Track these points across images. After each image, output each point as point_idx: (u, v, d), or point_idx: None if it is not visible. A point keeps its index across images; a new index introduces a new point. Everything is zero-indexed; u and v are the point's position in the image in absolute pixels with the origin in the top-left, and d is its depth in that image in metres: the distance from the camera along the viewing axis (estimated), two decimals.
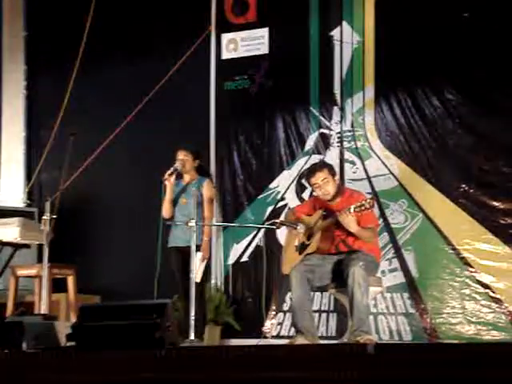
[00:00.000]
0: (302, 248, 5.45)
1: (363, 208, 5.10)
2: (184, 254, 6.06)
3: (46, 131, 7.99)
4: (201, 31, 7.40)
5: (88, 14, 7.64)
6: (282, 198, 7.10)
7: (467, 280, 6.32)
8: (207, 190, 6.18)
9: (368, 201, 5.13)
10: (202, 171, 6.36)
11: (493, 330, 6.18)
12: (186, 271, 5.99)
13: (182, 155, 6.21)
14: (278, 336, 6.81)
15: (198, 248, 5.89)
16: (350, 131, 6.92)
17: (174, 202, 6.21)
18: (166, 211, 6.18)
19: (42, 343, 4.25)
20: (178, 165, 6.15)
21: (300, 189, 7.02)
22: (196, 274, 5.68)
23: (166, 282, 6.03)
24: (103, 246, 7.70)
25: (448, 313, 6.32)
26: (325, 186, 5.37)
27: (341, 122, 6.95)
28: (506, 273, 6.21)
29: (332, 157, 6.88)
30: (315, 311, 6.50)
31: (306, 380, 3.44)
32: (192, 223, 5.50)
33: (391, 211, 6.62)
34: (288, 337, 6.49)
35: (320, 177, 5.37)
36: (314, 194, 5.63)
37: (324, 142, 7.01)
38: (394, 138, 6.73)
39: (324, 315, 6.73)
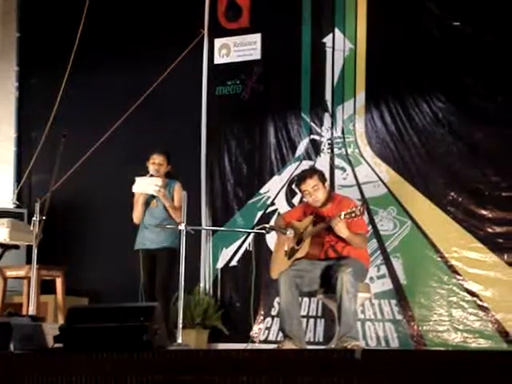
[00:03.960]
0: (291, 253, 5.46)
1: (354, 215, 5.11)
2: (153, 256, 6.07)
3: (36, 132, 7.99)
4: (194, 36, 7.41)
5: (81, 16, 7.64)
6: (272, 203, 7.12)
7: (455, 288, 6.35)
8: (178, 192, 6.17)
9: (359, 207, 5.14)
10: (171, 175, 6.34)
11: (479, 337, 6.20)
12: (154, 275, 6.02)
13: (158, 160, 6.19)
14: (265, 341, 6.82)
15: (169, 250, 5.96)
16: (340, 138, 6.94)
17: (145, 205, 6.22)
18: (137, 217, 6.18)
19: (30, 344, 4.24)
20: (153, 171, 6.14)
21: (290, 194, 7.03)
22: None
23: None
24: (92, 248, 7.69)
25: (435, 320, 6.35)
26: (315, 192, 5.39)
27: (331, 128, 6.98)
28: (493, 281, 6.24)
29: (322, 163, 6.90)
30: (303, 316, 6.51)
31: None
32: (182, 226, 5.50)
33: (380, 218, 6.65)
34: (276, 342, 6.50)
35: (310, 184, 5.39)
36: (305, 200, 5.65)
37: (315, 148, 7.04)
38: (384, 145, 6.76)
39: (312, 321, 6.75)
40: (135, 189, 6.10)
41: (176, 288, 5.63)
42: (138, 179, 6.09)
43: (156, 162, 6.16)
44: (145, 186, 6.07)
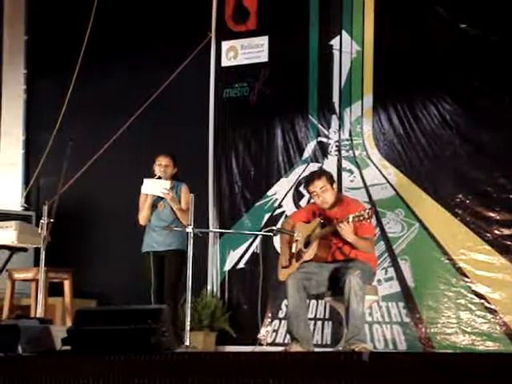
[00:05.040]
0: (298, 256, 5.46)
1: (362, 218, 5.10)
2: (162, 259, 6.07)
3: (44, 135, 8.00)
4: (201, 38, 7.42)
5: (89, 19, 7.66)
6: (280, 206, 7.11)
7: (462, 290, 6.33)
8: (185, 194, 6.18)
9: (367, 211, 5.13)
10: (177, 177, 6.33)
11: (487, 340, 6.19)
12: (162, 276, 6.02)
13: (165, 161, 6.19)
14: (273, 343, 6.82)
15: (178, 252, 5.97)
16: (347, 140, 6.94)
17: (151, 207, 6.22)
18: (144, 218, 6.18)
19: (38, 347, 4.25)
20: (160, 172, 6.14)
21: (297, 196, 7.04)
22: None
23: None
24: (100, 250, 7.71)
25: (443, 323, 6.34)
26: (323, 194, 5.38)
27: (339, 130, 6.98)
28: (501, 283, 6.22)
29: (330, 165, 6.90)
30: (311, 319, 6.50)
31: None
32: (189, 229, 5.51)
33: (388, 220, 6.64)
34: (283, 344, 6.50)
35: (318, 185, 5.38)
36: (312, 201, 5.65)
37: (322, 150, 7.04)
38: (392, 148, 6.75)
39: (319, 323, 6.74)
40: (143, 190, 6.10)
41: (184, 290, 5.63)
42: (146, 180, 6.09)
43: (162, 163, 6.16)
44: (153, 187, 6.07)
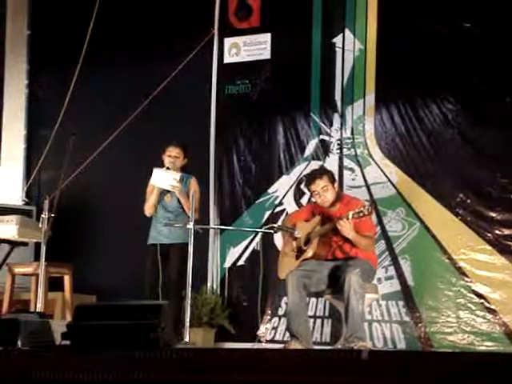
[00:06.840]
0: (298, 253, 5.46)
1: (361, 214, 5.11)
2: (167, 252, 6.06)
3: (46, 130, 8.00)
4: (204, 35, 7.42)
5: (92, 13, 7.65)
6: (281, 203, 7.11)
7: (462, 290, 6.34)
8: (193, 187, 6.17)
9: (367, 207, 5.14)
10: (186, 168, 6.31)
11: (487, 340, 6.19)
12: (165, 270, 6.01)
13: (174, 152, 6.16)
14: (272, 340, 6.82)
15: (183, 245, 5.93)
16: (349, 138, 6.94)
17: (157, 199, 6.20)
18: (149, 209, 6.16)
19: (37, 341, 4.25)
20: (169, 163, 6.11)
21: (298, 194, 7.03)
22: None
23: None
24: (100, 245, 7.71)
25: (442, 322, 6.34)
26: (324, 193, 5.38)
27: (341, 128, 6.97)
28: (501, 283, 6.22)
29: (331, 163, 6.89)
30: (310, 317, 6.50)
31: None
32: (190, 225, 5.50)
33: (389, 219, 6.64)
34: (282, 341, 6.50)
35: (320, 184, 5.38)
36: (313, 200, 5.65)
37: (324, 148, 7.03)
38: (394, 146, 6.75)
39: (319, 321, 6.74)
40: (152, 181, 6.07)
41: (185, 286, 5.63)
42: (155, 170, 6.05)
43: (172, 154, 6.14)
44: (162, 180, 6.02)
